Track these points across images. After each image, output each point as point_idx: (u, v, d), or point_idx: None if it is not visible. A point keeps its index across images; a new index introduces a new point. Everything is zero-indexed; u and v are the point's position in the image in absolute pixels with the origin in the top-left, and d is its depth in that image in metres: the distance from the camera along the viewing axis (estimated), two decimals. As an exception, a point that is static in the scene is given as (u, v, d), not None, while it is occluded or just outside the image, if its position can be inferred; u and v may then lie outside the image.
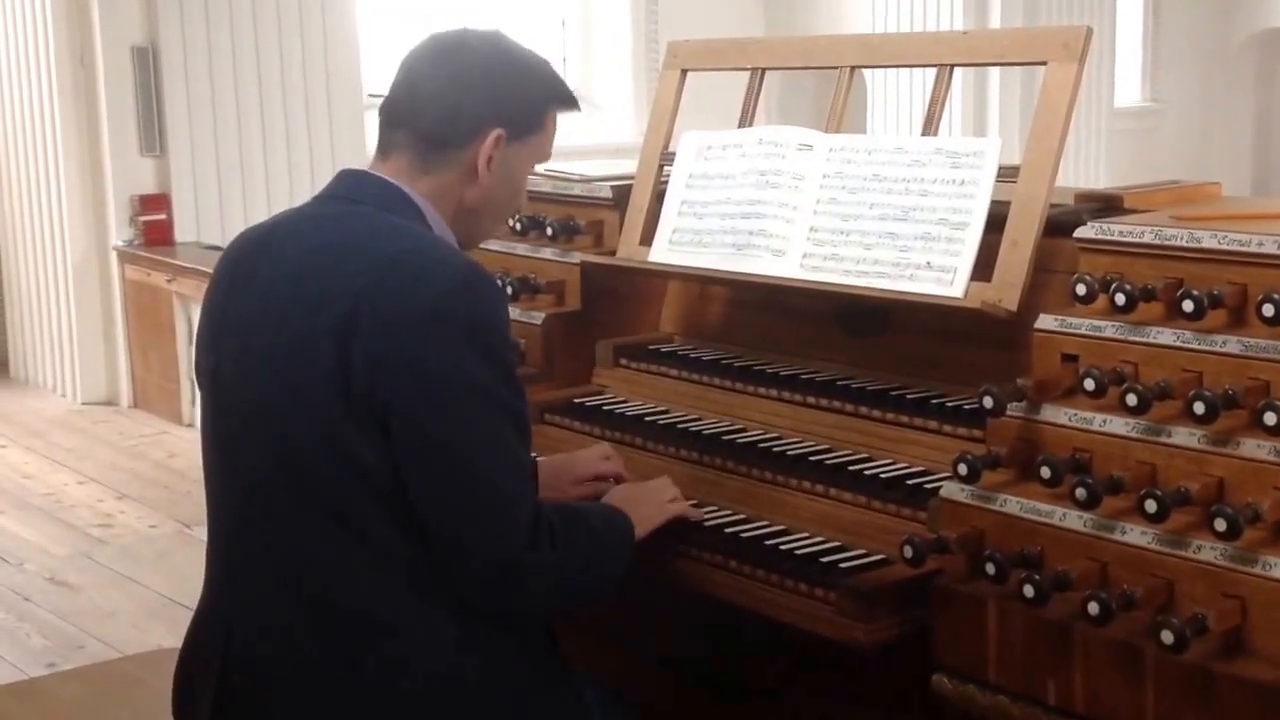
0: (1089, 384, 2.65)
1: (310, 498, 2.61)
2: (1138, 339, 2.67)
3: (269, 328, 2.67)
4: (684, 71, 3.81)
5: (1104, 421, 2.65)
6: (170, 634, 5.92)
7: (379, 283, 2.59)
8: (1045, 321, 2.81)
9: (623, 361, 3.81)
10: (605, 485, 3.20)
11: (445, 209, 2.83)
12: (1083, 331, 2.75)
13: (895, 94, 12.16)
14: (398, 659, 2.62)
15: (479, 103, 2.80)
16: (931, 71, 3.37)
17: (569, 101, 2.94)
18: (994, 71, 11.77)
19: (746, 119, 3.69)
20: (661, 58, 3.98)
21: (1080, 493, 2.57)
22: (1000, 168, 3.12)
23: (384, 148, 2.85)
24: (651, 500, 3.04)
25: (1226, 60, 15.95)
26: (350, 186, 2.83)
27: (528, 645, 2.76)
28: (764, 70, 3.69)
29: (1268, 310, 2.49)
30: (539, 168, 4.15)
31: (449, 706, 2.63)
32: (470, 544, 2.60)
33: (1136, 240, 2.74)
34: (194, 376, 2.93)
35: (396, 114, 2.84)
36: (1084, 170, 12.63)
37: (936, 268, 3.12)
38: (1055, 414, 2.72)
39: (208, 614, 2.80)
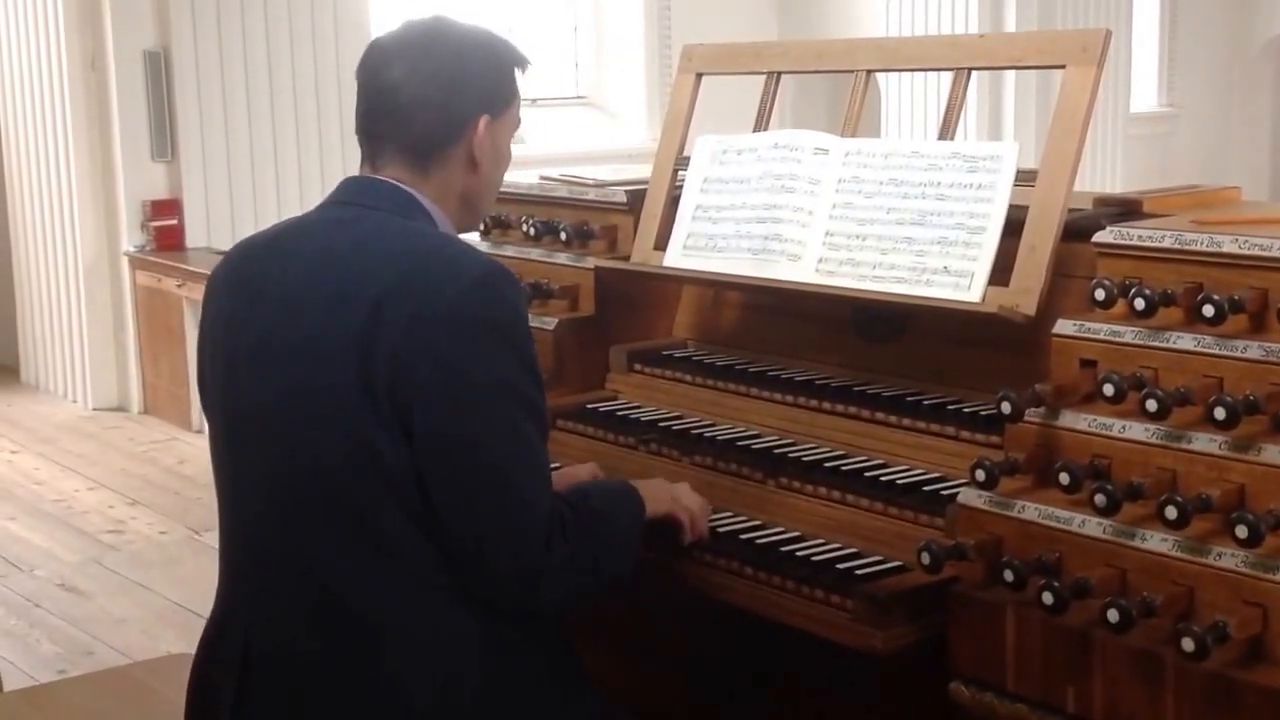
0: (1108, 389, 2.63)
1: (329, 501, 2.60)
2: (1157, 344, 2.66)
3: (285, 331, 2.65)
4: (699, 75, 3.79)
5: (1123, 427, 2.63)
6: (180, 640, 5.91)
7: (399, 282, 2.57)
8: (1064, 326, 2.80)
9: (636, 367, 3.79)
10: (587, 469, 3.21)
11: (449, 205, 2.83)
12: (1102, 336, 2.73)
13: (909, 97, 12.13)
14: (415, 664, 2.60)
15: (464, 96, 2.79)
16: (945, 75, 3.35)
17: (525, 60, 2.93)
18: (1009, 75, 11.75)
19: (762, 123, 3.67)
20: (674, 62, 3.97)
21: (1099, 499, 2.55)
22: (1018, 171, 3.10)
23: (372, 162, 2.82)
24: (667, 489, 3.03)
25: (1244, 65, 15.91)
26: (357, 192, 2.82)
27: (546, 651, 2.75)
28: (779, 74, 3.68)
29: (1289, 315, 2.48)
30: (556, 171, 4.16)
31: (465, 711, 2.61)
32: (489, 545, 2.59)
33: (1156, 245, 2.72)
34: (198, 381, 2.89)
35: (379, 130, 2.81)
36: (1099, 175, 12.60)
37: (953, 272, 3.10)
38: (1074, 420, 2.70)
39: (224, 618, 2.79)
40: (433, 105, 2.77)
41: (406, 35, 2.83)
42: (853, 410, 3.32)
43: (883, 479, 3.09)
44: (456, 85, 2.78)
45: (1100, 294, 2.73)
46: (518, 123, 2.93)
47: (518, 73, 2.90)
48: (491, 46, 2.87)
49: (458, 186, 2.83)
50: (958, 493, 2.82)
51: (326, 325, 2.60)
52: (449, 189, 2.82)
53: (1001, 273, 3.05)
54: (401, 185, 2.78)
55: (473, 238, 4.24)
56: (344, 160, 9.63)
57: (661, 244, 3.70)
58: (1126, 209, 3.08)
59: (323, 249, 2.71)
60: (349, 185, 2.85)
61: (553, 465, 3.35)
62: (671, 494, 3.02)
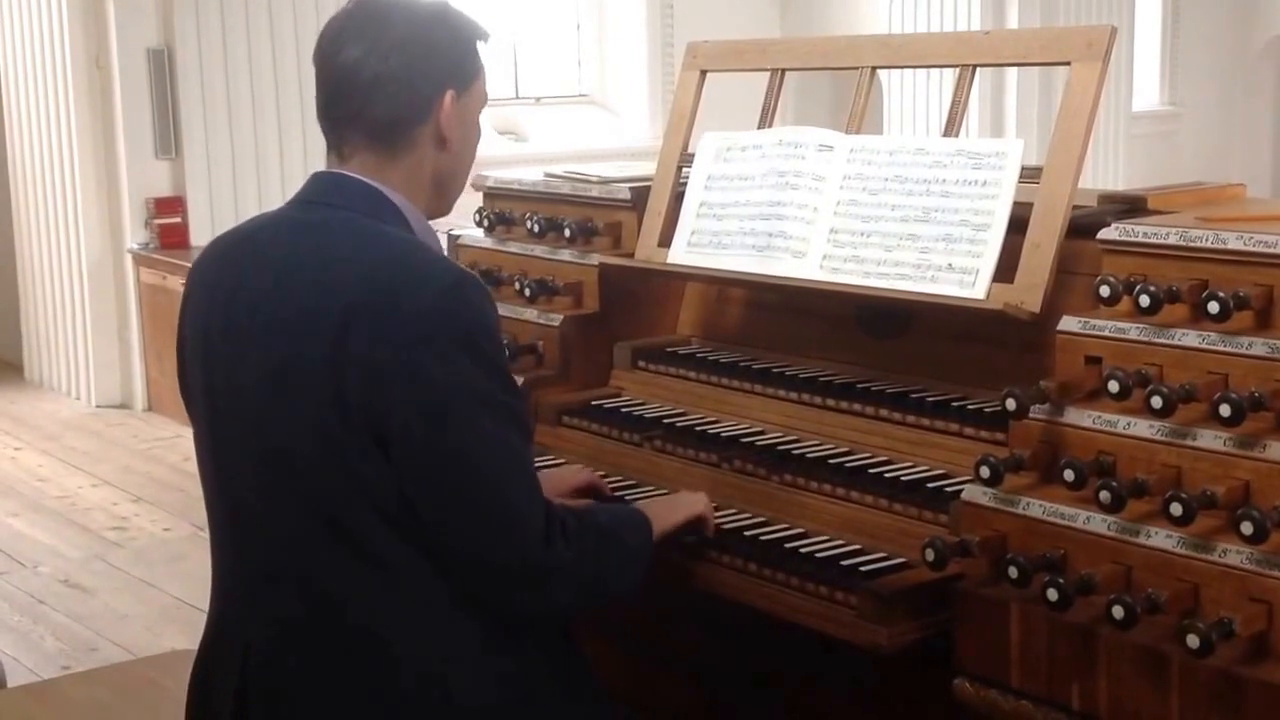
0: (1113, 386, 2.62)
1: (312, 514, 2.57)
2: (1162, 341, 2.65)
3: (260, 344, 2.61)
4: (703, 72, 3.79)
5: (1128, 424, 2.63)
6: (184, 637, 5.91)
7: (367, 294, 2.52)
8: (1068, 323, 2.79)
9: (640, 364, 3.79)
10: (586, 502, 3.17)
11: (419, 192, 2.76)
12: (1106, 333, 2.73)
13: (912, 94, 12.13)
14: (415, 669, 2.59)
15: (426, 71, 2.70)
16: (947, 73, 3.34)
17: (485, 32, 2.83)
18: (1011, 72, 11.75)
19: (766, 120, 3.67)
20: (677, 59, 3.96)
21: (1104, 496, 2.55)
22: (1022, 169, 3.10)
23: (339, 151, 2.74)
24: (672, 501, 3.03)
25: (1246, 64, 15.90)
26: (326, 190, 2.74)
27: (550, 653, 2.74)
28: (784, 71, 3.67)
29: (1295, 312, 2.48)
30: (560, 169, 4.16)
31: (468, 714, 2.61)
32: (487, 552, 2.57)
33: (1161, 241, 2.72)
34: (180, 386, 2.86)
35: (341, 113, 2.72)
36: (1102, 174, 12.59)
37: (958, 269, 3.10)
38: (1079, 416, 2.70)
39: (220, 622, 2.78)
40: (395, 81, 2.67)
41: (360, 13, 2.73)
42: (857, 407, 3.32)
43: (887, 476, 3.09)
44: (418, 60, 2.69)
45: (1105, 291, 2.73)
46: (485, 97, 2.85)
47: (480, 46, 2.82)
48: (449, 19, 2.77)
49: (428, 167, 2.75)
50: (962, 489, 2.82)
51: (298, 339, 2.55)
52: (419, 171, 2.74)
53: (1006, 270, 3.04)
54: (370, 182, 2.70)
55: (476, 234, 4.24)
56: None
57: (666, 241, 3.69)
58: (1131, 206, 3.07)
59: (291, 260, 2.64)
60: (318, 182, 2.77)
61: (554, 462, 3.37)
62: (674, 505, 3.02)
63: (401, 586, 2.59)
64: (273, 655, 2.65)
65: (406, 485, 2.53)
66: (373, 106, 2.69)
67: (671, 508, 3.00)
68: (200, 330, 2.75)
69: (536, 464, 2.74)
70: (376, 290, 2.53)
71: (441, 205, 2.85)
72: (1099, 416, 2.67)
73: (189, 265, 9.53)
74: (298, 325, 2.56)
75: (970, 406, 3.15)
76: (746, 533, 3.06)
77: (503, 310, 3.19)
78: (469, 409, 2.54)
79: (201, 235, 9.77)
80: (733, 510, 3.16)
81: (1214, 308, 2.55)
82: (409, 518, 2.55)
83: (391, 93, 2.68)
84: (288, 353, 2.57)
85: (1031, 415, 2.73)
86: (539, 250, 4.03)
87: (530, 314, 3.86)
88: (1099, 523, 2.59)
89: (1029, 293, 2.99)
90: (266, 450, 2.61)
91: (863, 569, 2.84)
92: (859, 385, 3.37)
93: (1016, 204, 3.07)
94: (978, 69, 3.30)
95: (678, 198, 3.72)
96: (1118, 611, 2.45)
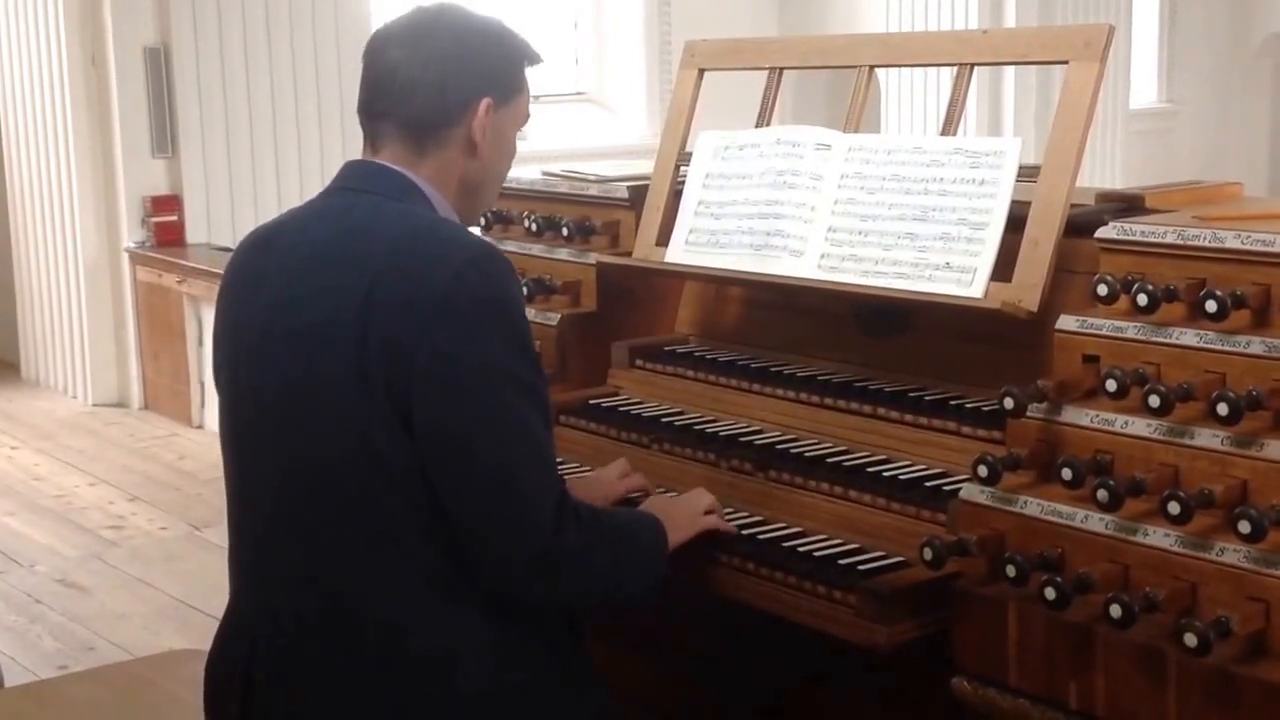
0: (1110, 385, 2.62)
1: (332, 498, 2.59)
2: (1160, 340, 2.66)
3: (284, 326, 2.65)
4: (701, 71, 3.79)
5: (1126, 423, 2.63)
6: (181, 636, 5.91)
7: (391, 268, 2.56)
8: (1066, 322, 2.79)
9: (638, 363, 3.79)
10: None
11: (446, 190, 2.80)
12: (1104, 332, 2.73)
13: (910, 93, 12.13)
14: (423, 661, 2.60)
15: (464, 77, 2.76)
16: (945, 71, 3.34)
17: (536, 55, 2.92)
18: (1009, 71, 11.75)
19: (764, 119, 3.67)
20: (674, 58, 3.96)
21: (1102, 495, 2.55)
22: (1020, 167, 3.10)
23: (373, 143, 2.81)
24: (685, 510, 3.01)
25: (1244, 62, 15.89)
26: (355, 177, 2.81)
27: (556, 649, 2.74)
28: (782, 70, 3.67)
29: (1292, 311, 2.48)
30: (558, 167, 4.15)
31: (473, 708, 2.61)
32: (497, 534, 2.57)
33: (1158, 240, 2.72)
34: (214, 383, 2.89)
35: (378, 107, 2.79)
36: (1099, 172, 12.58)
37: (956, 268, 3.10)
38: (1076, 415, 2.70)
39: (234, 618, 2.79)
40: (429, 85, 2.74)
41: (411, 19, 2.82)
42: (855, 406, 3.32)
43: (885, 475, 3.09)
44: (455, 67, 2.76)
45: (1103, 289, 2.73)
46: (525, 117, 2.90)
47: (527, 67, 2.89)
48: (498, 34, 2.85)
49: (456, 171, 2.80)
50: (960, 488, 2.82)
51: (322, 317, 2.59)
52: (447, 173, 2.79)
53: (1004, 268, 3.04)
54: (397, 168, 2.76)
55: (475, 232, 4.24)
56: (345, 156, 9.53)
57: (664, 240, 3.69)
58: (1129, 204, 3.08)
59: (317, 241, 2.70)
60: (347, 170, 2.85)
61: (582, 469, 3.37)
62: (689, 513, 3.00)
63: (415, 574, 2.60)
64: (281, 646, 2.67)
65: (425, 462, 2.55)
66: (408, 105, 2.76)
67: (690, 521, 2.99)
68: (232, 322, 2.79)
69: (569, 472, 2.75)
70: (399, 263, 2.58)
71: (467, 211, 2.90)
72: (1097, 415, 2.67)
73: (185, 263, 9.55)
74: (324, 304, 2.60)
75: (968, 405, 3.15)
76: (745, 532, 3.06)
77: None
78: (489, 383, 2.56)
79: (198, 233, 9.78)
80: (730, 509, 3.16)
81: (1211, 306, 2.56)
82: (431, 502, 2.56)
83: (425, 95, 2.75)
84: (312, 334, 2.60)
85: (1029, 414, 2.74)
86: (536, 249, 4.03)
87: (528, 313, 3.84)
88: (1097, 521, 2.59)
89: (1027, 291, 3.00)
90: (292, 433, 2.63)
91: (861, 568, 2.85)
92: (857, 384, 3.37)
93: (1014, 202, 3.08)
94: (975, 68, 3.30)
95: (675, 196, 3.72)
96: (1115, 610, 2.45)
